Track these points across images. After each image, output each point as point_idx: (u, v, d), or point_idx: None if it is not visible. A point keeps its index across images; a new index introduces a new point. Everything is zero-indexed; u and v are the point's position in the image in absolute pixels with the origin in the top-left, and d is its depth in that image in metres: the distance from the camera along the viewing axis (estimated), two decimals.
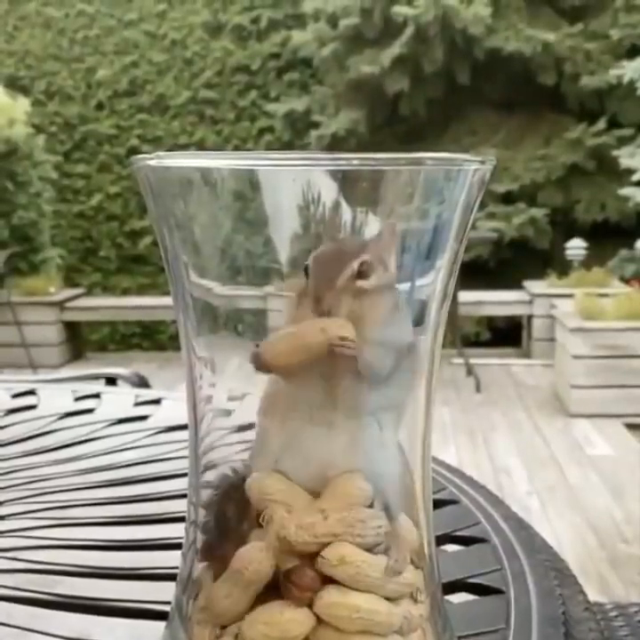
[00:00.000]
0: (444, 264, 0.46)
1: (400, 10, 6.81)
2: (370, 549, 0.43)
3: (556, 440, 4.15)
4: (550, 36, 6.80)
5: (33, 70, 7.81)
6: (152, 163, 0.44)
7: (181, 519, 0.51)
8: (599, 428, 4.29)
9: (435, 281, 0.46)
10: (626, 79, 6.04)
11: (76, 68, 7.81)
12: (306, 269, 0.45)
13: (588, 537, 3.01)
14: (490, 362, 5.81)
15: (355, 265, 0.45)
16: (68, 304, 6.39)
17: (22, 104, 6.38)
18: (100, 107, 7.80)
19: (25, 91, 7.35)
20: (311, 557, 0.43)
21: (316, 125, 7.46)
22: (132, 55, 7.71)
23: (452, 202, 0.44)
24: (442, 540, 0.67)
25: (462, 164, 0.44)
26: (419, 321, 0.46)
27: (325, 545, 0.43)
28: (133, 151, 7.68)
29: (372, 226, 0.43)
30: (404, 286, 0.46)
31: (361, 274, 0.45)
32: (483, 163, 0.45)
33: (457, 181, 0.44)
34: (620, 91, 6.61)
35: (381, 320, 0.44)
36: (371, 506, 0.45)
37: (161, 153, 0.44)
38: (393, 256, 0.45)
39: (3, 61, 7.79)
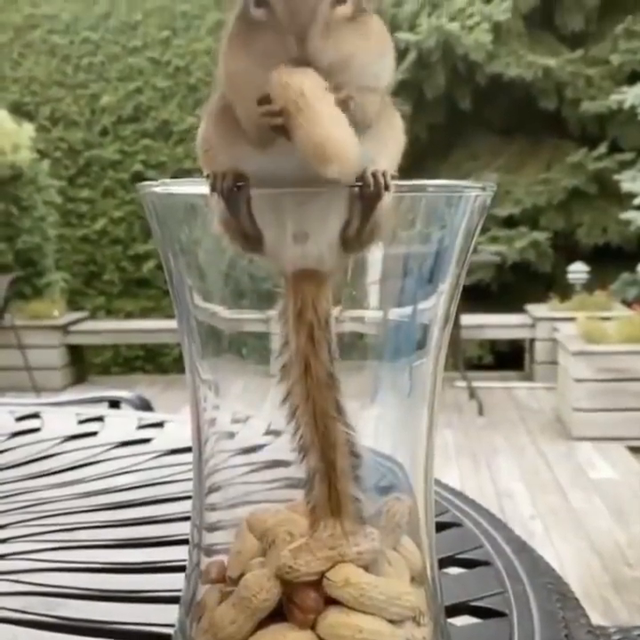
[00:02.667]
0: (446, 288, 0.47)
1: (402, 36, 6.88)
2: (368, 566, 0.44)
3: (559, 463, 4.14)
4: (551, 62, 6.86)
5: (38, 96, 7.87)
6: (157, 189, 0.45)
7: (183, 542, 0.51)
8: (602, 452, 4.27)
9: (437, 304, 0.47)
10: (627, 104, 6.08)
11: (80, 94, 7.86)
12: None
13: (592, 561, 2.99)
14: (492, 385, 5.80)
15: None
16: (72, 327, 6.40)
17: (27, 130, 6.43)
18: (104, 132, 7.85)
19: (30, 116, 7.40)
20: (313, 582, 0.43)
21: None
22: (136, 81, 7.77)
23: (453, 227, 0.45)
24: (445, 562, 0.67)
25: (463, 191, 0.45)
26: (421, 344, 0.47)
27: (329, 567, 0.44)
28: (137, 176, 7.72)
29: (374, 251, 0.44)
30: (407, 310, 0.47)
31: None
32: (483, 189, 0.45)
33: (458, 208, 0.45)
34: (620, 116, 6.65)
35: (368, 58, 0.41)
36: (365, 519, 0.45)
37: (166, 180, 0.44)
38: None
39: (8, 88, 7.85)
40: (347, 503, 0.44)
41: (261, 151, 0.40)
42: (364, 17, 0.41)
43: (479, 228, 0.47)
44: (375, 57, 0.41)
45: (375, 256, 0.44)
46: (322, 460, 0.44)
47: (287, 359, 0.44)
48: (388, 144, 0.43)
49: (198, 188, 0.42)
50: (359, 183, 0.41)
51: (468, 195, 0.45)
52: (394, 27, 7.02)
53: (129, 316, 7.63)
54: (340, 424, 0.44)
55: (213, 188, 0.41)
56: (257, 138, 0.40)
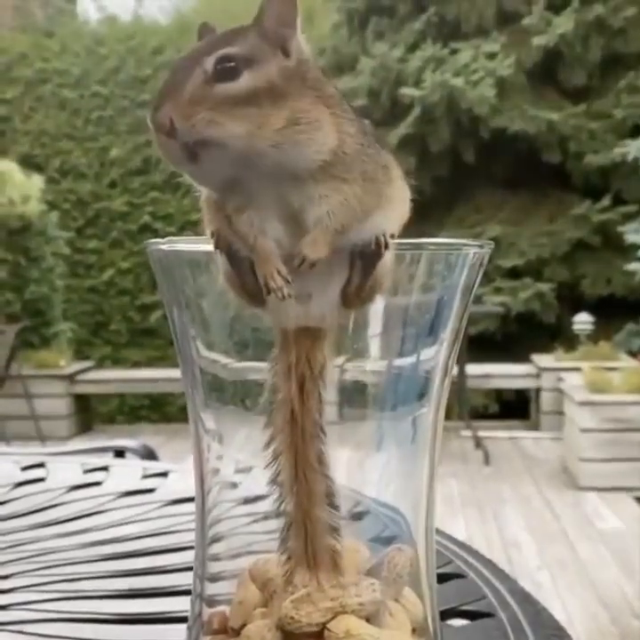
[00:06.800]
0: (447, 340, 0.48)
1: (407, 91, 6.98)
2: (370, 617, 0.44)
3: (566, 514, 4.10)
4: (554, 116, 6.93)
5: (47, 149, 7.99)
6: (164, 246, 0.46)
7: (186, 592, 0.52)
8: (609, 502, 4.24)
9: (438, 356, 0.47)
10: (630, 157, 6.14)
11: (89, 146, 7.98)
12: None
13: (600, 613, 2.95)
14: (498, 434, 5.77)
15: (208, 62, 0.38)
16: (78, 377, 6.41)
17: (36, 181, 6.51)
18: (112, 184, 7.95)
19: (39, 168, 7.49)
20: (315, 633, 0.43)
21: None
22: (144, 135, 7.88)
23: (452, 283, 0.46)
24: (448, 614, 0.67)
25: (461, 249, 0.46)
26: (422, 394, 0.48)
27: (330, 618, 0.44)
28: (145, 228, 7.79)
29: (376, 305, 0.45)
30: (409, 361, 0.47)
31: (223, 73, 0.38)
32: (481, 247, 0.47)
33: (457, 264, 0.46)
34: (624, 168, 6.71)
35: (251, 146, 0.38)
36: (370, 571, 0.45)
37: (173, 237, 0.46)
38: (296, 29, 0.40)
39: (18, 140, 7.97)
40: (323, 555, 0.44)
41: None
42: (271, 101, 0.38)
43: (477, 282, 0.48)
44: (263, 146, 0.38)
45: (378, 310, 0.45)
46: (298, 508, 0.44)
47: (275, 406, 0.45)
48: (391, 206, 0.44)
49: (203, 245, 0.44)
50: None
51: (467, 252, 0.46)
52: (399, 82, 7.13)
53: (135, 365, 7.64)
54: (320, 475, 0.44)
55: (217, 246, 0.42)
56: None
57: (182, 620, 0.52)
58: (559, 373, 5.57)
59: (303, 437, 0.44)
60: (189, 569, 0.51)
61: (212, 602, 0.49)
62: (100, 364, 7.32)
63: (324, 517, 0.44)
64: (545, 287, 6.83)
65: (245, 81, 0.38)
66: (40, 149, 7.99)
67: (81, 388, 6.42)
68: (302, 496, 0.44)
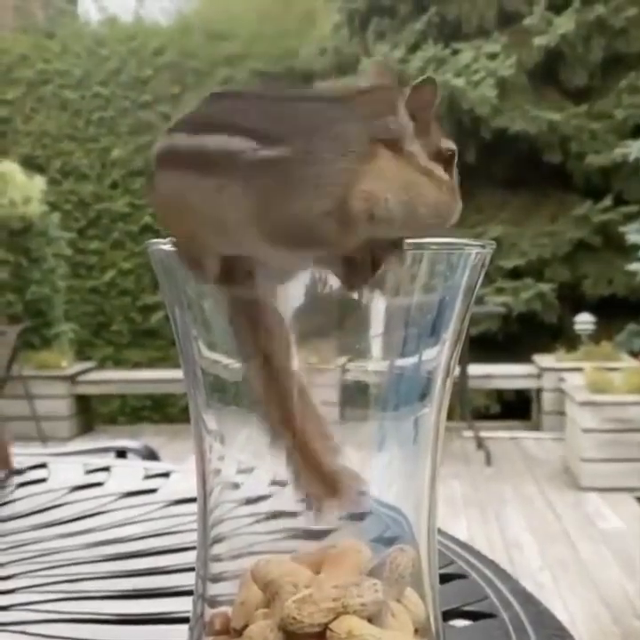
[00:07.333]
0: (449, 340, 0.48)
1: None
2: (372, 618, 0.44)
3: (568, 514, 4.10)
4: (556, 116, 6.93)
5: (49, 150, 7.99)
6: (166, 247, 0.46)
7: (188, 593, 0.52)
8: (610, 502, 4.23)
9: (439, 357, 0.47)
10: (631, 157, 6.14)
11: (91, 147, 7.98)
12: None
13: (602, 612, 2.95)
14: (500, 435, 5.77)
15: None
16: (80, 377, 6.42)
17: (38, 182, 6.51)
18: (114, 185, 7.95)
19: (41, 169, 7.49)
20: (317, 634, 0.43)
21: None
22: (146, 136, 7.88)
23: (454, 283, 0.46)
24: (450, 614, 0.67)
25: (463, 249, 0.46)
26: (424, 394, 0.48)
27: (332, 618, 0.44)
28: (146, 228, 7.79)
29: (378, 305, 0.45)
30: (411, 361, 0.48)
31: None
32: (483, 247, 0.47)
33: (459, 265, 0.46)
34: (625, 169, 6.71)
35: None
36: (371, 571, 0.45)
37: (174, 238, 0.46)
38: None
39: (20, 141, 7.98)
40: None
41: None
42: None
43: (479, 283, 0.48)
44: None
45: (380, 310, 0.45)
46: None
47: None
48: None
49: None
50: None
51: (469, 253, 0.46)
52: (400, 82, 7.13)
53: (136, 366, 7.64)
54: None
55: None
56: None
57: (184, 620, 0.52)
58: (560, 374, 5.57)
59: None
60: (191, 569, 0.51)
61: (214, 602, 0.49)
62: (101, 365, 7.33)
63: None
64: (546, 287, 6.83)
65: None
66: (41, 150, 7.99)
67: (82, 389, 6.42)
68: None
